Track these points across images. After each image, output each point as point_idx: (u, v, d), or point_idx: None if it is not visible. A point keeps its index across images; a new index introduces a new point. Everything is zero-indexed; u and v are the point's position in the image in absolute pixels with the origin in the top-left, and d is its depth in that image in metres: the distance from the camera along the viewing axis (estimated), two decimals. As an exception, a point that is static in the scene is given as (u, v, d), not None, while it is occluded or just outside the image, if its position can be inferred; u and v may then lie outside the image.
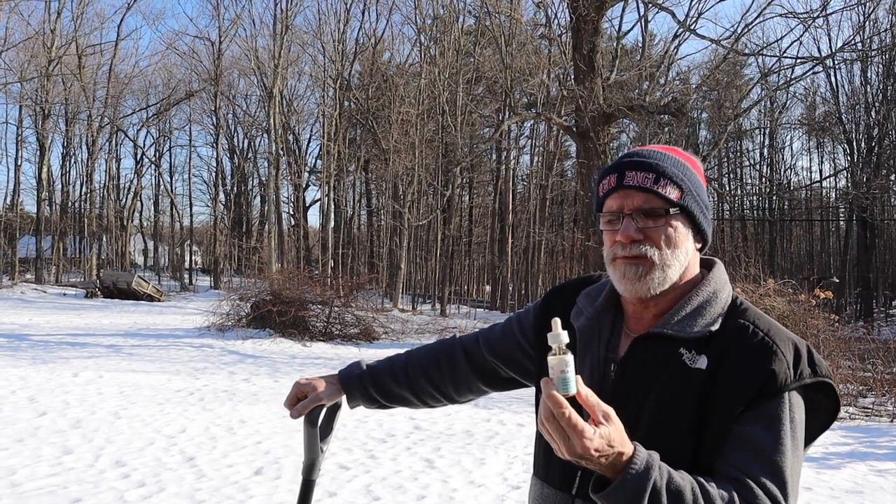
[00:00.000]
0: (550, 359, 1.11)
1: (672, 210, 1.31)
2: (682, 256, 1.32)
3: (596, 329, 1.41)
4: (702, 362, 1.25)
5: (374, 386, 1.70)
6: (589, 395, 1.10)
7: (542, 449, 1.43)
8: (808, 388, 1.24)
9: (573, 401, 1.08)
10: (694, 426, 1.23)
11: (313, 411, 1.61)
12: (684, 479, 1.13)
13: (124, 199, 45.58)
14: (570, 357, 1.10)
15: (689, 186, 1.33)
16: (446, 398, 1.73)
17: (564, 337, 1.13)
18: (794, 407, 1.22)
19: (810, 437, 1.27)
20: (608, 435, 1.08)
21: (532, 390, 1.58)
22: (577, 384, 1.09)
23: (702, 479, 1.15)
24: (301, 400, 1.63)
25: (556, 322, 1.15)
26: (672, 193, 1.30)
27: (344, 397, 1.70)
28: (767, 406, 1.20)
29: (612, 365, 1.35)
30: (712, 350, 1.26)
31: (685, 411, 1.23)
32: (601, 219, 1.37)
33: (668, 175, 1.31)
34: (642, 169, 1.31)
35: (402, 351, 1.81)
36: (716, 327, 1.29)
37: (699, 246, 1.37)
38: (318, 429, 1.62)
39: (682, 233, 1.32)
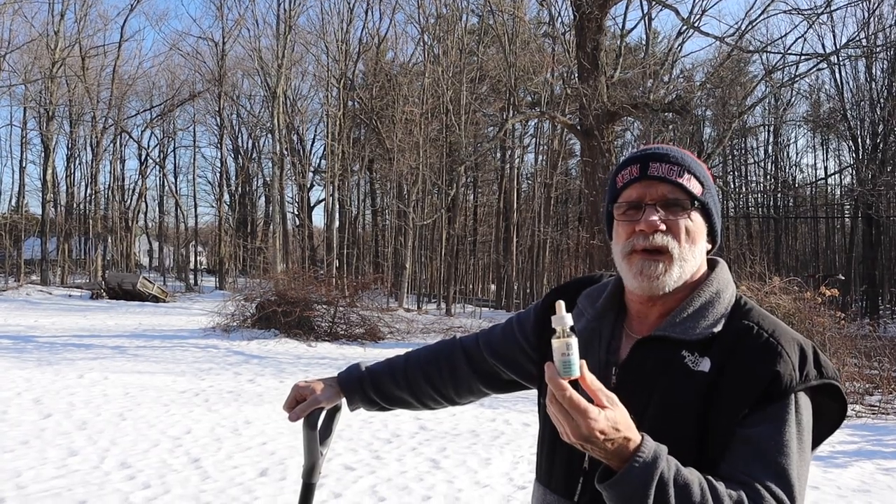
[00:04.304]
0: (554, 341, 1.10)
1: (695, 204, 1.30)
2: (698, 253, 1.32)
3: (597, 332, 1.39)
4: (705, 364, 1.24)
5: (373, 388, 1.69)
6: (592, 380, 1.09)
7: (545, 454, 1.42)
8: (814, 390, 1.23)
9: (578, 386, 1.08)
10: (697, 430, 1.21)
11: (312, 414, 1.60)
12: (692, 474, 1.11)
13: (129, 201, 45.57)
14: (573, 340, 1.09)
15: (709, 184, 1.33)
16: (446, 400, 1.71)
17: (568, 319, 1.11)
18: (801, 408, 1.20)
19: (817, 440, 1.25)
20: (613, 418, 1.07)
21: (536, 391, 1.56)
22: (580, 368, 1.08)
23: (710, 477, 1.13)
24: (300, 403, 1.62)
25: (560, 305, 1.13)
26: (695, 188, 1.30)
27: (344, 400, 1.69)
28: (772, 408, 1.18)
29: (614, 368, 1.33)
30: (715, 352, 1.24)
31: (688, 415, 1.22)
32: (617, 210, 1.34)
33: (692, 170, 1.31)
34: (667, 161, 1.31)
35: (407, 351, 1.80)
36: (718, 329, 1.27)
37: (709, 247, 1.36)
38: (318, 432, 1.61)
39: (700, 228, 1.32)
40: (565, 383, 1.06)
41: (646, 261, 1.28)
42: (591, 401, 1.07)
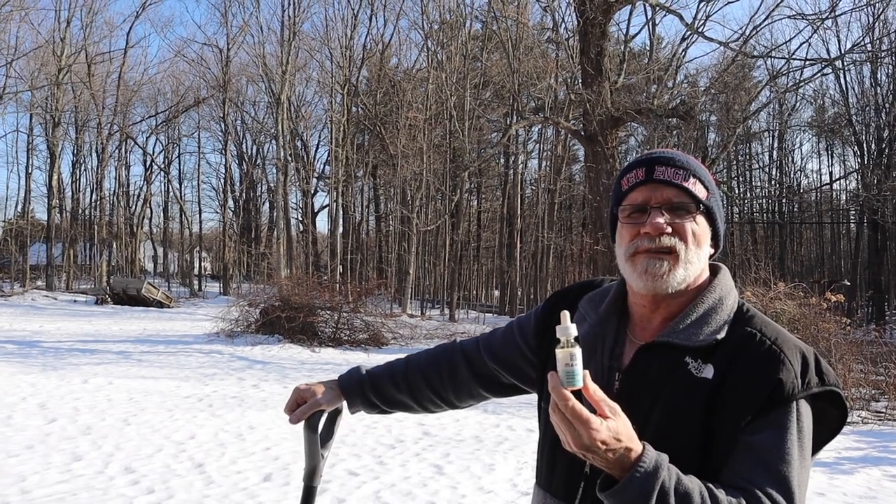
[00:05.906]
0: (558, 351, 1.11)
1: (700, 208, 1.31)
2: (702, 256, 1.32)
3: (599, 337, 1.39)
4: (708, 371, 1.24)
5: (373, 391, 1.69)
6: (595, 390, 1.10)
7: (546, 458, 1.42)
8: (815, 397, 1.23)
9: (581, 396, 1.08)
10: (700, 436, 1.21)
11: (313, 417, 1.60)
12: (693, 483, 1.12)
13: (134, 206, 45.75)
14: (577, 350, 1.10)
15: (713, 188, 1.34)
16: (447, 403, 1.72)
17: (573, 330, 1.12)
18: (802, 416, 1.21)
19: (817, 446, 1.25)
20: (615, 428, 1.08)
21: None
22: (583, 378, 1.09)
23: (710, 485, 1.14)
24: (301, 405, 1.62)
25: (565, 315, 1.14)
26: (701, 192, 1.31)
27: (345, 403, 1.70)
28: (775, 415, 1.19)
29: (617, 374, 1.33)
30: (718, 359, 1.25)
31: (691, 421, 1.22)
32: (621, 213, 1.34)
33: (697, 174, 1.32)
34: (673, 165, 1.32)
35: (408, 354, 1.80)
36: (722, 335, 1.27)
37: (712, 252, 1.36)
38: (319, 435, 1.61)
39: (704, 232, 1.32)
40: (568, 393, 1.07)
41: (651, 259, 1.28)
42: (593, 411, 1.08)
